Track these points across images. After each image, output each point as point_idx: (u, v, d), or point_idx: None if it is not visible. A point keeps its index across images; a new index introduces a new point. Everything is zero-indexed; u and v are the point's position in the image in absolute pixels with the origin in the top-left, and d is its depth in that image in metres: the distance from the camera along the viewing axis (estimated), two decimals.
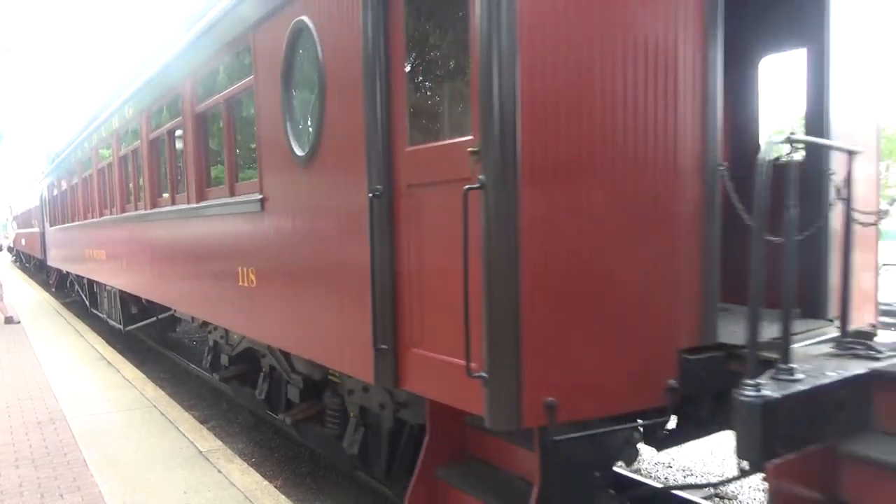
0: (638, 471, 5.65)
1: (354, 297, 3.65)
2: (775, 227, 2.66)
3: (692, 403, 3.16)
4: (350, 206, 3.65)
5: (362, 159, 3.50)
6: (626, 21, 2.83)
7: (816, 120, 3.76)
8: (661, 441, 3.44)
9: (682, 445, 4.03)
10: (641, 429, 3.32)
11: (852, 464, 2.37)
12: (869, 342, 2.81)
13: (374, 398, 4.43)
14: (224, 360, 6.83)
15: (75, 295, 16.37)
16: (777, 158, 2.74)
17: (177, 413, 6.79)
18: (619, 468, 4.61)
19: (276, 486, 4.97)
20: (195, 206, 6.16)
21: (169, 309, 8.14)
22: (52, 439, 5.91)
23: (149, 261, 8.08)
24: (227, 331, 6.54)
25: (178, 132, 6.69)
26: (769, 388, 2.22)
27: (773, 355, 2.67)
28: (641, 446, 3.40)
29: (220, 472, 5.06)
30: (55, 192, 16.86)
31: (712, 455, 6.08)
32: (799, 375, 2.36)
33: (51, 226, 18.13)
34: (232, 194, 5.42)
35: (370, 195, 3.40)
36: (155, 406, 7.01)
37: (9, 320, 13.14)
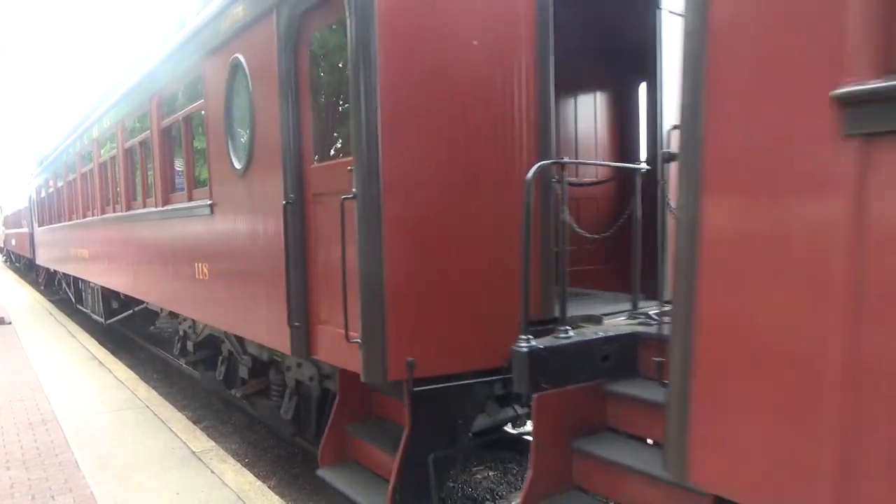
0: None
1: (276, 285, 4.53)
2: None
3: None
4: (273, 210, 4.53)
5: (280, 173, 4.38)
6: (469, 76, 3.71)
7: (652, 138, 4.67)
8: (517, 397, 4.33)
9: None
10: (497, 386, 4.21)
11: (613, 399, 3.27)
12: (650, 313, 3.72)
13: (305, 372, 5.30)
14: (190, 346, 7.69)
15: (63, 293, 17.17)
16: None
17: (169, 413, 6.81)
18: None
19: (269, 487, 5.00)
20: (161, 209, 7.04)
21: (144, 302, 9.00)
22: (43, 440, 5.90)
23: (124, 259, 8.95)
24: (194, 321, 7.40)
25: (148, 143, 7.56)
26: (540, 343, 3.12)
27: (584, 323, 3.57)
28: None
29: (213, 472, 5.05)
30: (43, 195, 17.67)
31: None
32: (571, 335, 3.26)
33: (39, 226, 18.93)
34: (190, 199, 6.30)
35: (284, 203, 4.29)
36: (147, 406, 7.00)
37: None
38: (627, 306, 4.27)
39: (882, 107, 1.52)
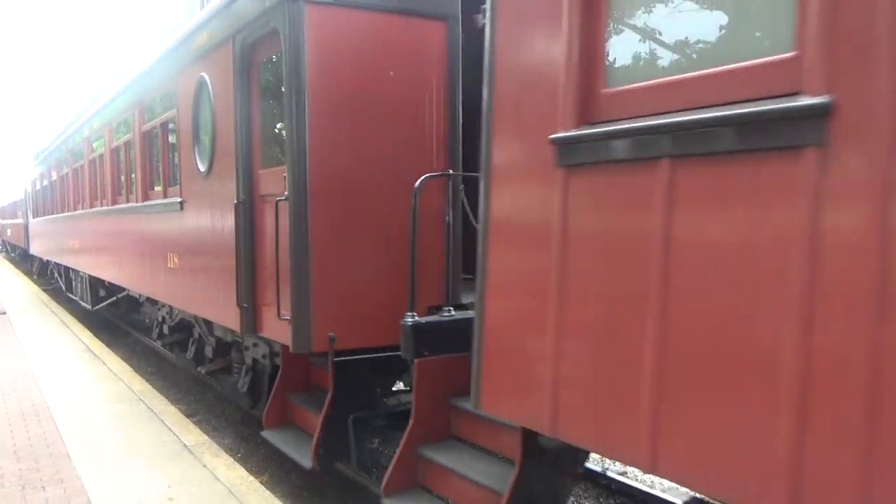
0: None
1: (229, 272, 5.32)
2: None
3: None
4: (229, 208, 5.32)
5: (234, 176, 5.17)
6: (386, 102, 4.50)
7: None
8: None
9: None
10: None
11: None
12: None
13: (259, 351, 6.08)
14: (165, 329, 8.48)
15: (55, 282, 17.93)
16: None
17: (163, 406, 6.81)
18: None
19: (261, 482, 5.01)
20: (141, 204, 7.84)
21: (126, 290, 9.79)
22: (35, 432, 5.91)
23: (109, 249, 9.75)
24: (170, 307, 8.19)
25: (131, 144, 8.34)
26: (423, 319, 3.91)
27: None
28: None
29: (205, 466, 5.05)
30: (38, 187, 18.44)
31: None
32: (452, 314, 4.06)
33: (34, 218, 19.70)
34: (165, 196, 7.10)
35: (236, 202, 5.08)
36: (141, 399, 7.01)
37: None
38: None
39: (578, 149, 2.32)
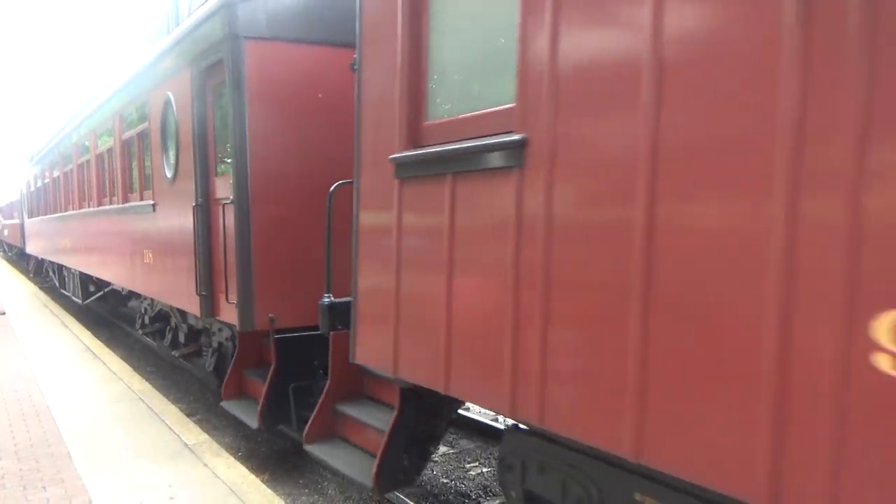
0: None
1: (190, 266, 6.22)
2: None
3: None
4: (189, 210, 6.21)
5: (193, 182, 6.06)
6: (312, 122, 5.38)
7: None
8: None
9: None
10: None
11: None
12: None
13: (223, 335, 6.98)
14: (147, 319, 9.39)
15: (50, 280, 18.84)
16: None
17: (163, 406, 6.89)
18: None
19: (262, 481, 5.07)
20: (121, 206, 8.74)
21: (111, 284, 10.69)
22: (36, 432, 5.96)
23: (96, 247, 10.66)
24: (152, 300, 9.08)
25: (113, 151, 9.24)
26: (337, 299, 4.80)
27: None
28: None
29: (206, 465, 5.10)
30: (32, 189, 19.35)
31: None
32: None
33: (29, 218, 20.61)
34: (141, 199, 8.00)
35: (194, 205, 5.98)
36: (141, 399, 7.09)
37: None
38: None
39: (408, 165, 3.22)
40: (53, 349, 9.88)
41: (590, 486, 3.02)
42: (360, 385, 4.94)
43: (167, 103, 6.70)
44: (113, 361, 9.04)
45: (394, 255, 3.32)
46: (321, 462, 4.62)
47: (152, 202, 7.38)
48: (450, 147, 2.90)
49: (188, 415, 7.01)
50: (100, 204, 10.31)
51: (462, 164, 2.84)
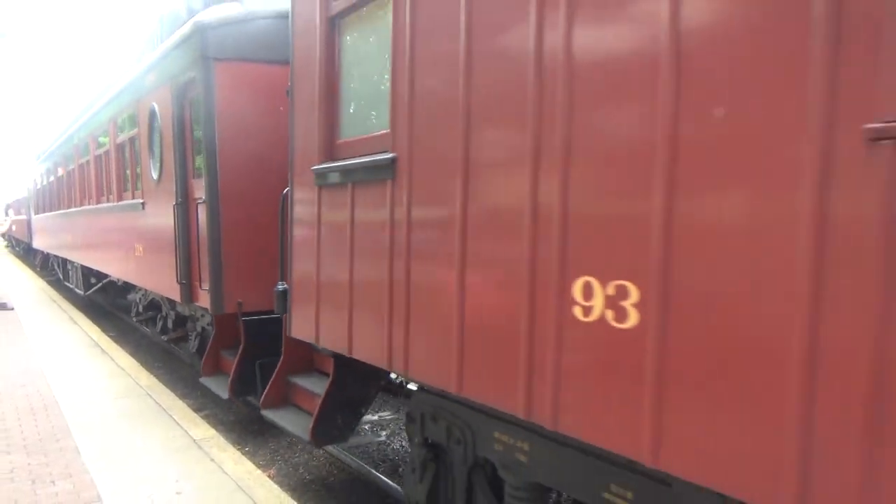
0: None
1: (172, 257, 7.08)
2: None
3: None
4: (171, 208, 7.06)
5: (174, 183, 6.92)
6: (271, 132, 6.21)
7: None
8: None
9: None
10: None
11: None
12: None
13: (205, 320, 7.85)
14: (140, 308, 10.30)
15: (55, 273, 19.82)
16: None
17: (170, 401, 7.01)
18: None
19: (269, 476, 5.15)
20: (116, 203, 9.63)
21: (108, 276, 11.61)
22: (44, 426, 6.05)
23: (95, 242, 11.57)
24: (144, 289, 9.97)
25: (109, 153, 10.13)
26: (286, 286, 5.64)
27: None
28: None
29: (212, 460, 5.17)
30: (39, 186, 20.34)
31: None
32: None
33: (36, 214, 21.62)
34: (133, 197, 8.88)
35: (174, 204, 6.84)
36: (149, 394, 7.23)
37: (2, 307, 13.65)
38: None
39: (323, 175, 4.05)
40: (62, 344, 10.10)
41: (465, 429, 3.85)
42: (311, 360, 5.78)
43: (152, 113, 7.56)
44: (121, 357, 9.27)
45: (315, 247, 4.17)
46: (273, 423, 5.47)
47: (142, 201, 8.26)
48: (350, 162, 3.74)
49: (195, 410, 7.12)
50: (98, 202, 11.22)
51: (358, 175, 3.67)
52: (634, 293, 2.19)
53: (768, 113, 1.80)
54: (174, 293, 7.29)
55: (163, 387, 7.71)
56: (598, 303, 2.32)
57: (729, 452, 1.94)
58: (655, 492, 2.58)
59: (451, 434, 3.97)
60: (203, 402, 8.15)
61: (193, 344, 8.20)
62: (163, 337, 9.25)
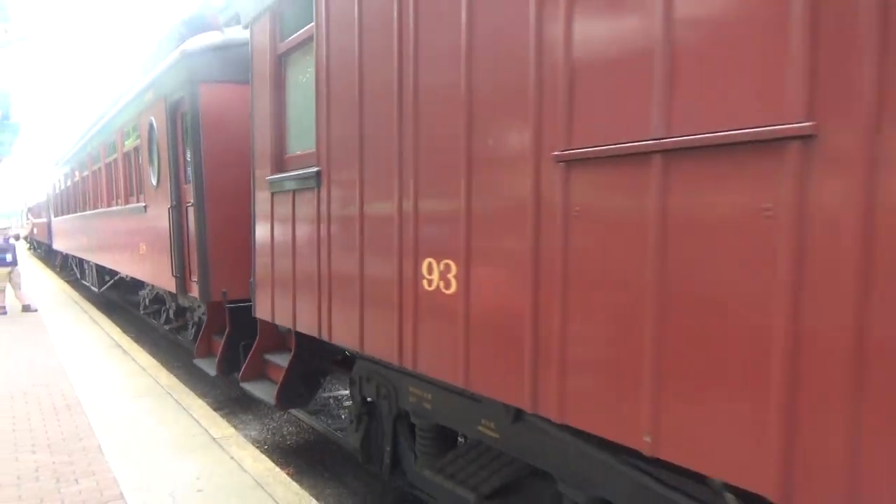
0: None
1: (167, 254, 8.13)
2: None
3: None
4: (167, 211, 8.11)
5: (169, 188, 7.97)
6: (243, 142, 7.22)
7: None
8: None
9: None
10: None
11: None
12: None
13: (201, 310, 8.90)
14: (147, 301, 11.41)
15: (73, 273, 21.11)
16: None
17: (190, 400, 7.19)
18: None
19: (288, 473, 5.24)
20: (124, 207, 10.74)
21: (118, 273, 12.74)
22: (67, 425, 6.20)
23: (107, 242, 12.72)
24: (151, 286, 11.06)
25: (118, 160, 11.24)
26: None
27: None
28: None
29: (232, 458, 5.29)
30: (57, 191, 21.66)
31: None
32: None
33: (55, 217, 22.96)
34: (137, 201, 9.97)
35: (169, 207, 7.89)
36: (169, 393, 7.43)
37: (26, 308, 14.15)
38: None
39: (274, 183, 5.04)
40: (83, 344, 10.45)
41: (390, 387, 4.81)
42: (284, 340, 6.79)
43: (151, 126, 8.62)
44: (141, 356, 9.56)
45: (269, 243, 5.16)
46: (248, 393, 6.48)
47: (144, 204, 9.33)
48: (292, 173, 4.72)
49: (215, 409, 7.32)
50: (109, 205, 12.36)
51: (297, 184, 4.66)
52: (455, 268, 3.14)
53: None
54: (171, 285, 8.34)
55: (182, 386, 7.97)
56: (435, 277, 3.28)
57: (506, 379, 2.89)
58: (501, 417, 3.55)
59: (379, 391, 4.94)
60: (222, 402, 8.44)
61: (191, 332, 9.26)
62: (165, 326, 10.34)
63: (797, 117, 1.75)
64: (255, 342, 6.67)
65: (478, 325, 3.02)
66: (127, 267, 11.27)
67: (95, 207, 13.84)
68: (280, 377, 6.27)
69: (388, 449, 4.91)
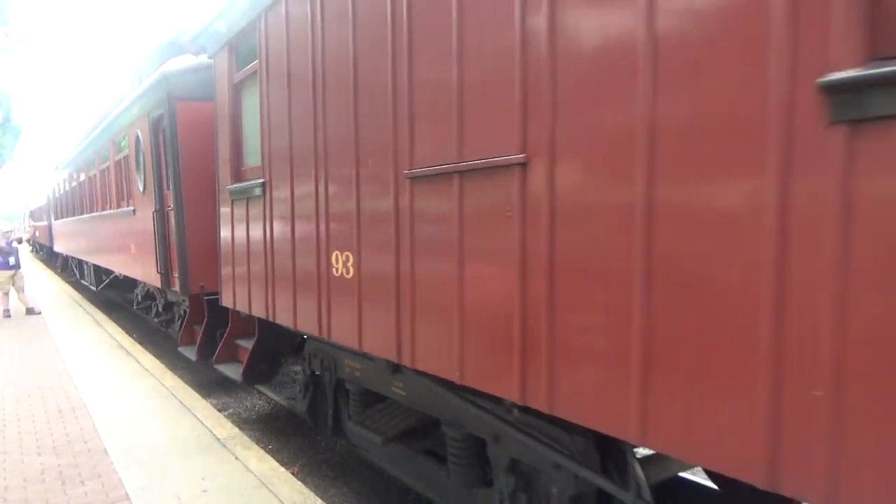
0: None
1: (153, 253, 9.13)
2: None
3: None
4: (152, 214, 9.10)
5: (153, 194, 8.97)
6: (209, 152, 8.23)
7: None
8: None
9: None
10: None
11: None
12: None
13: (185, 304, 9.90)
14: (139, 297, 12.43)
15: (74, 275, 22.16)
16: None
17: (194, 401, 7.26)
18: None
19: (292, 473, 5.29)
20: (116, 210, 11.77)
21: (113, 272, 13.77)
22: (72, 427, 6.25)
23: (102, 243, 13.75)
24: (143, 283, 12.06)
25: (110, 168, 12.26)
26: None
27: None
28: None
29: (237, 458, 5.33)
30: (57, 194, 22.73)
31: None
32: None
33: (55, 220, 24.03)
34: (127, 206, 10.98)
35: (153, 211, 8.89)
36: (173, 394, 7.51)
37: (30, 311, 14.48)
38: None
39: (234, 192, 6.03)
40: (87, 346, 10.63)
41: (330, 360, 5.79)
42: (253, 328, 7.78)
43: (137, 139, 9.63)
44: (145, 358, 9.76)
45: (231, 242, 6.15)
46: (222, 373, 7.47)
47: (133, 208, 10.34)
48: (246, 183, 5.71)
49: (219, 410, 7.40)
50: (103, 209, 13.39)
51: (248, 193, 5.64)
52: (352, 258, 4.12)
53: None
54: (157, 281, 9.35)
55: (186, 387, 8.08)
56: (340, 265, 4.26)
57: (385, 336, 3.88)
58: (408, 379, 4.54)
59: (323, 364, 5.93)
60: (226, 402, 8.57)
61: (178, 324, 10.26)
62: (156, 320, 11.35)
63: (519, 151, 2.73)
64: (227, 329, 7.66)
65: (367, 300, 4.01)
66: (120, 266, 12.29)
67: (92, 211, 14.87)
68: (245, 357, 7.28)
69: (330, 412, 5.91)
